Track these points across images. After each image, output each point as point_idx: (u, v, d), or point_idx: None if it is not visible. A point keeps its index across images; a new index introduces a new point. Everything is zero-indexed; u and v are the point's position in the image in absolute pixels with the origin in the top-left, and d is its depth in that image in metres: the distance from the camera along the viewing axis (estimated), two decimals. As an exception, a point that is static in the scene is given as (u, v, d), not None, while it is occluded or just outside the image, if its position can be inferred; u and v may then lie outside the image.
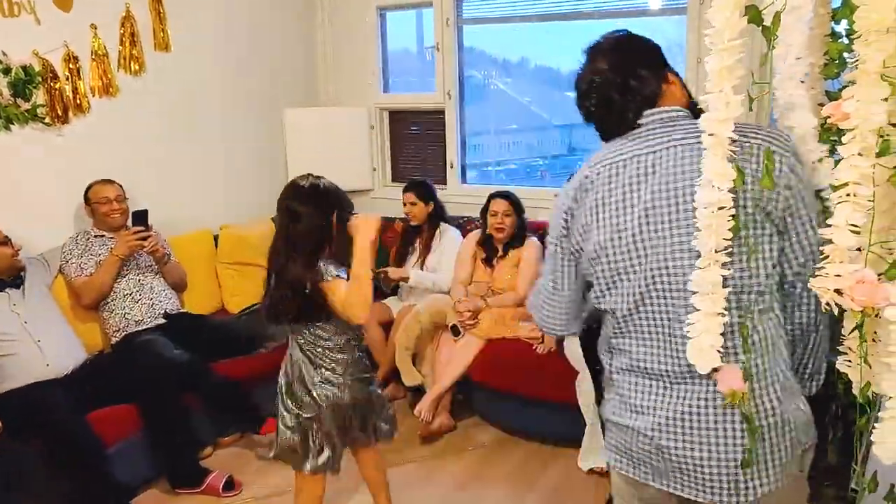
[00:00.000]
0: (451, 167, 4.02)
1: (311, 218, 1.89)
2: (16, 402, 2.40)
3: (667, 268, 1.18)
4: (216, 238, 3.61)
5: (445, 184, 3.98)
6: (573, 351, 2.78)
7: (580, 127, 4.70)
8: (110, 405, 2.56)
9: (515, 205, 3.23)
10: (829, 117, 1.01)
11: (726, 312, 1.13)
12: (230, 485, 2.62)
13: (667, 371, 1.21)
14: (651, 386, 1.23)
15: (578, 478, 2.64)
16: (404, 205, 3.50)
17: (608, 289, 1.25)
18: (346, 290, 1.85)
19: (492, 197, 3.26)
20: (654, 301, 1.20)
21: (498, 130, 4.43)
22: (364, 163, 4.22)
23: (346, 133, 4.16)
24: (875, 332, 1.05)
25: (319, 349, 1.96)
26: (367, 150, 4.22)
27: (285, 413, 2.03)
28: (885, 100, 0.91)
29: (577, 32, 4.00)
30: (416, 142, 4.25)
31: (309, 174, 2.00)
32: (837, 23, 1.31)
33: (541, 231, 3.35)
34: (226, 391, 2.80)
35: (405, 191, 3.52)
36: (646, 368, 1.23)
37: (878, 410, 1.07)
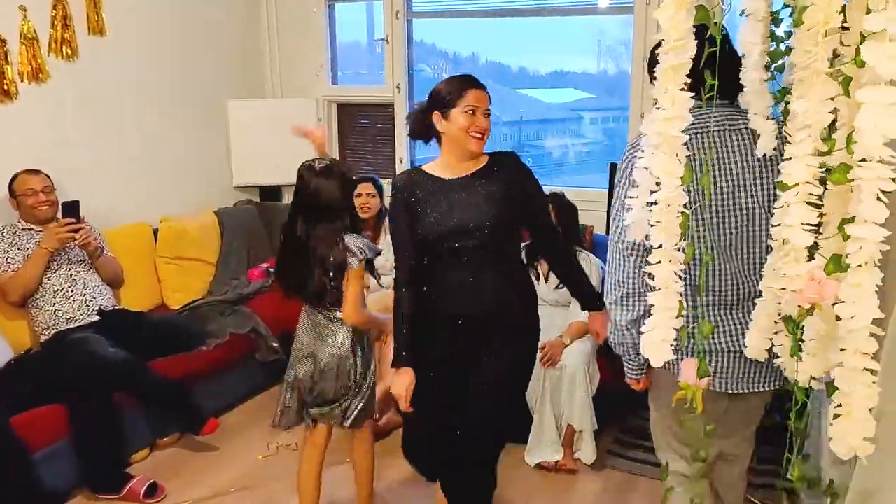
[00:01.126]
0: (401, 162, 3.99)
1: (339, 194, 2.05)
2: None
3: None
4: (156, 231, 3.48)
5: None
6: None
7: (529, 123, 4.77)
8: (38, 407, 2.44)
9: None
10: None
11: (678, 307, 1.15)
12: (153, 490, 2.52)
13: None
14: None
15: (525, 473, 2.67)
16: (358, 195, 3.42)
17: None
18: (353, 289, 2.02)
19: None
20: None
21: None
22: (310, 156, 4.12)
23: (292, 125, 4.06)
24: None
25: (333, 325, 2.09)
26: (315, 143, 4.13)
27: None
28: (832, 99, 0.93)
29: (527, 29, 4.03)
30: (365, 136, 4.19)
31: (315, 159, 2.17)
32: (777, 25, 1.36)
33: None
34: (165, 390, 2.70)
35: (362, 181, 3.43)
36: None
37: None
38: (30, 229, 2.83)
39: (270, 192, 4.14)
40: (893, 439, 1.01)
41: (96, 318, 2.84)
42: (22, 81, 2.94)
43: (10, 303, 2.75)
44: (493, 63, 4.37)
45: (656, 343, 1.18)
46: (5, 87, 2.87)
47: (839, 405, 0.97)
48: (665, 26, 1.11)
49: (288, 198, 4.21)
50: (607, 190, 3.34)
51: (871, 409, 0.96)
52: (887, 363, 1.01)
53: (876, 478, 1.05)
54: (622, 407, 2.97)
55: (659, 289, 1.14)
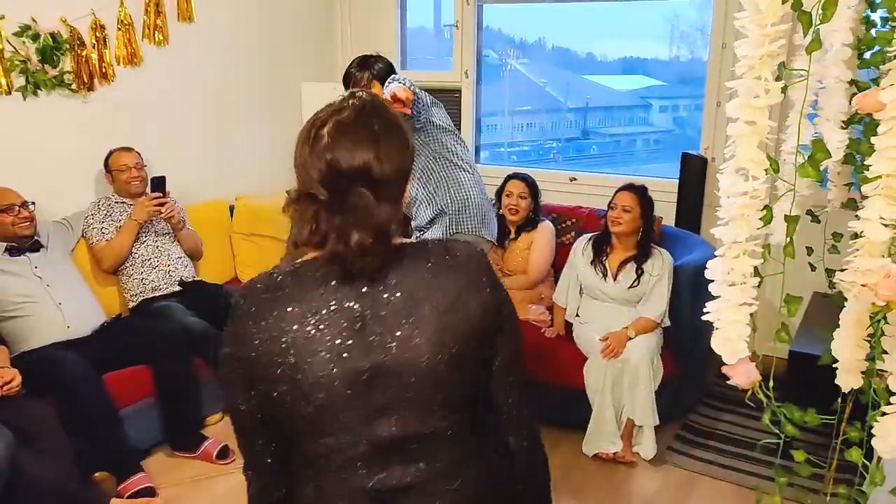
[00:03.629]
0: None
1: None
2: (35, 361, 2.46)
3: None
4: (232, 208, 3.65)
5: (460, 163, 4.00)
6: (582, 336, 2.83)
7: (595, 110, 4.72)
8: (126, 368, 2.62)
9: (531, 187, 3.22)
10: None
11: (754, 302, 1.14)
12: (224, 453, 2.66)
13: None
14: None
15: (582, 463, 2.65)
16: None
17: None
18: None
19: (508, 178, 3.26)
20: None
21: (512, 111, 4.43)
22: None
23: (362, 109, 4.17)
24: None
25: None
26: (383, 126, 4.22)
27: None
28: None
29: (595, 14, 3.98)
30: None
31: None
32: (874, 11, 1.31)
33: (553, 214, 3.38)
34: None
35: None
36: None
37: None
38: (122, 202, 3.03)
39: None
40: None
41: (178, 287, 3.03)
42: (118, 65, 3.14)
43: (103, 270, 2.96)
44: (560, 49, 4.34)
45: (731, 340, 1.18)
46: (103, 70, 3.07)
47: (890, 403, 0.96)
48: (764, 10, 1.07)
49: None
50: (678, 180, 3.30)
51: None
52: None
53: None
54: (685, 403, 2.95)
55: (734, 284, 1.13)
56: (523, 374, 1.08)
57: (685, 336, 2.76)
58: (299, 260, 0.98)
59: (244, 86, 3.76)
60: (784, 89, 1.12)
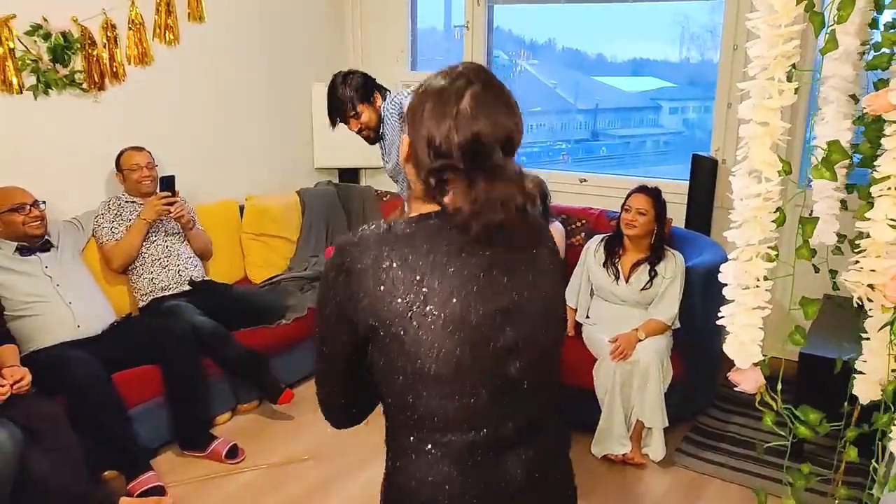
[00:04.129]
0: (476, 148, 4.02)
1: None
2: (45, 360, 2.47)
3: None
4: (241, 208, 3.66)
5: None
6: (591, 337, 2.82)
7: (604, 112, 4.71)
8: (135, 367, 2.62)
9: (539, 187, 3.20)
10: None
11: (767, 306, 1.14)
12: (233, 452, 2.67)
13: None
14: None
15: (591, 464, 2.64)
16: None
17: None
18: None
19: None
20: None
21: (521, 112, 4.42)
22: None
23: (371, 110, 4.17)
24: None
25: None
26: (392, 127, 4.23)
27: None
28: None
29: (605, 16, 3.97)
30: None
31: None
32: (880, 12, 1.31)
33: (563, 215, 3.36)
34: (247, 359, 2.86)
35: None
36: None
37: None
38: (132, 202, 3.04)
39: (349, 174, 4.27)
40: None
41: (188, 287, 3.04)
42: (129, 64, 3.15)
43: (113, 269, 2.98)
44: (569, 49, 4.33)
45: (744, 344, 1.17)
46: (114, 70, 3.09)
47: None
48: (779, 10, 1.06)
49: (365, 180, 4.34)
50: (688, 182, 3.28)
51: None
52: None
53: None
54: (695, 405, 2.93)
55: (748, 287, 1.12)
56: None
57: (695, 338, 2.74)
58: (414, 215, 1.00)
59: (255, 86, 3.77)
60: (797, 90, 1.11)
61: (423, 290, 0.93)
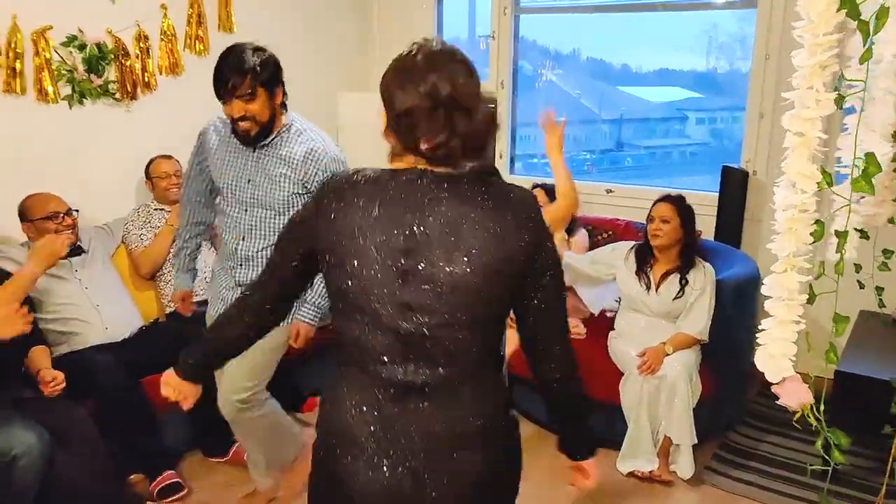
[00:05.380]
0: (501, 157, 4.02)
1: None
2: (73, 363, 2.49)
3: None
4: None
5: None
6: (617, 351, 2.78)
7: (629, 122, 4.67)
8: (161, 372, 2.64)
9: (550, 195, 3.19)
10: None
11: (802, 320, 1.11)
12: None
13: None
14: None
15: (616, 480, 2.60)
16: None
17: None
18: None
19: (533, 187, 3.24)
20: None
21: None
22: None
23: (397, 119, 4.19)
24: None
25: None
26: (417, 137, 4.24)
27: None
28: None
29: (632, 25, 3.95)
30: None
31: None
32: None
33: (589, 226, 3.34)
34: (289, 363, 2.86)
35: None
36: None
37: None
38: (161, 209, 3.09)
39: (373, 184, 4.29)
40: None
41: (214, 294, 3.06)
42: (160, 74, 3.21)
43: (141, 276, 3.01)
44: (594, 60, 4.32)
45: (774, 357, 1.14)
46: (146, 80, 3.14)
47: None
48: (815, 19, 1.05)
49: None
50: (717, 193, 3.23)
51: None
52: None
53: None
54: (724, 421, 2.88)
55: (783, 300, 1.10)
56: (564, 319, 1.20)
57: (725, 352, 2.69)
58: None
59: (281, 95, 3.81)
60: (839, 100, 1.09)
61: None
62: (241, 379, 2.15)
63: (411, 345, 1.08)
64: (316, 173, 2.09)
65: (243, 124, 2.04)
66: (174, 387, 1.45)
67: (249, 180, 2.11)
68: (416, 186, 1.08)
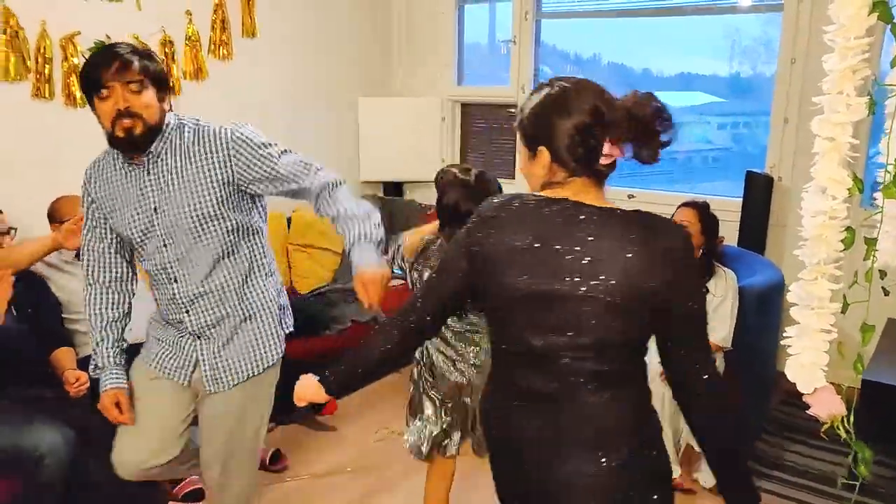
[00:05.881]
0: (520, 162, 4.01)
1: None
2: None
3: None
4: (289, 220, 3.72)
5: (514, 178, 3.99)
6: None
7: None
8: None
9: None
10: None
11: (833, 329, 1.09)
12: (276, 457, 2.69)
13: None
14: None
15: None
16: None
17: None
18: None
19: None
20: None
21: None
22: (433, 154, 4.26)
23: (417, 123, 4.21)
24: None
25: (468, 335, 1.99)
26: (437, 141, 4.26)
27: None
28: None
29: (653, 29, 3.92)
30: (484, 136, 4.26)
31: (454, 165, 2.04)
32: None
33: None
34: (292, 369, 2.87)
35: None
36: None
37: None
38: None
39: (393, 188, 4.31)
40: None
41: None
42: (184, 79, 3.25)
43: None
44: (615, 64, 4.29)
45: (805, 367, 1.12)
46: (171, 85, 3.16)
47: None
48: (847, 23, 1.04)
49: (409, 194, 4.37)
50: (741, 199, 3.20)
51: None
52: None
53: None
54: (746, 430, 2.84)
55: (813, 308, 1.08)
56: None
57: (747, 360, 2.65)
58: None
59: (303, 100, 3.84)
60: (871, 105, 1.07)
61: None
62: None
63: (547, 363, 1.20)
64: (228, 153, 1.81)
65: (126, 121, 1.66)
66: (308, 399, 1.51)
67: (155, 208, 1.74)
68: (568, 215, 1.16)
